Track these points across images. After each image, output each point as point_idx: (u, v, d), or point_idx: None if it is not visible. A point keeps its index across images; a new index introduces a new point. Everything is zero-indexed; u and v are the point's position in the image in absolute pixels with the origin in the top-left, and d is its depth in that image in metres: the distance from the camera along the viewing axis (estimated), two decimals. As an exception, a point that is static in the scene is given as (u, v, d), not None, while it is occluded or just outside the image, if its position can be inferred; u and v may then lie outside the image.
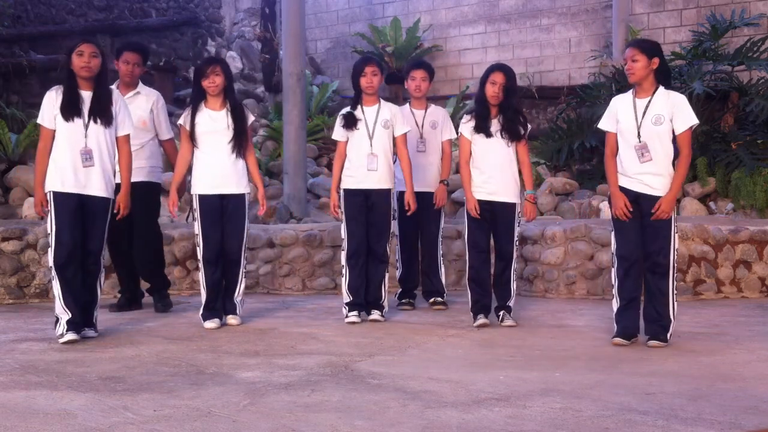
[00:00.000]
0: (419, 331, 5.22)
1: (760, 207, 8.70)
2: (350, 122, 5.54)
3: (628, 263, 4.67)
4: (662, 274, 4.63)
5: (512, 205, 5.34)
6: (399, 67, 13.12)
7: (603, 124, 4.84)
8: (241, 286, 5.46)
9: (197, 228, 5.39)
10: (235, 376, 3.91)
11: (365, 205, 5.53)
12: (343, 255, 5.60)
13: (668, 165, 4.63)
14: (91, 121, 4.86)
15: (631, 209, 4.66)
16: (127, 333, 5.11)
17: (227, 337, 4.99)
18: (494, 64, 5.52)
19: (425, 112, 6.19)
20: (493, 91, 5.27)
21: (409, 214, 5.69)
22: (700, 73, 9.53)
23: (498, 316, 5.42)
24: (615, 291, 4.75)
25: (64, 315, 4.80)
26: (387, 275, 5.61)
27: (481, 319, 5.31)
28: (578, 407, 3.33)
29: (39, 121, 4.93)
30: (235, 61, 14.43)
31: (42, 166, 4.91)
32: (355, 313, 5.50)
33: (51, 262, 4.84)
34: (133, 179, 5.77)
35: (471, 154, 5.38)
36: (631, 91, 4.79)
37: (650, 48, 4.68)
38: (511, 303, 5.43)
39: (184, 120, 5.43)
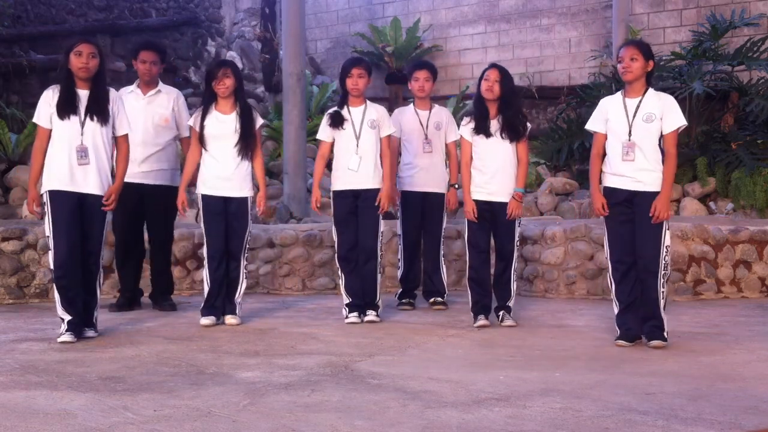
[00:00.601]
0: (419, 331, 5.22)
1: (760, 207, 8.70)
2: (337, 121, 5.54)
3: (622, 267, 4.71)
4: (654, 272, 4.63)
5: (513, 206, 5.35)
6: (399, 67, 13.13)
7: (591, 125, 4.87)
8: (241, 287, 5.48)
9: (202, 227, 5.50)
10: (235, 376, 3.91)
11: (354, 206, 5.53)
12: (336, 257, 5.62)
13: (659, 162, 4.66)
14: (88, 119, 4.84)
15: (607, 210, 4.71)
16: (127, 333, 5.11)
17: (227, 337, 4.99)
18: (489, 64, 5.54)
19: (429, 113, 6.20)
20: (486, 85, 5.28)
21: (379, 212, 5.60)
22: (700, 73, 9.53)
23: (498, 316, 5.42)
24: (613, 295, 4.76)
25: (64, 316, 4.84)
26: (380, 274, 5.60)
27: (482, 320, 5.31)
28: (578, 407, 3.33)
29: (35, 119, 4.92)
30: (235, 61, 14.41)
31: (36, 164, 4.91)
32: (355, 314, 5.50)
33: (51, 265, 4.84)
34: (156, 182, 5.82)
35: (472, 156, 5.38)
36: (619, 92, 4.83)
37: (648, 50, 4.73)
38: (511, 303, 5.43)
39: (193, 122, 5.48)
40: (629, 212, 4.68)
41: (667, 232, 4.70)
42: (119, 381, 3.82)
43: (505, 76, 5.31)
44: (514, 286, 5.42)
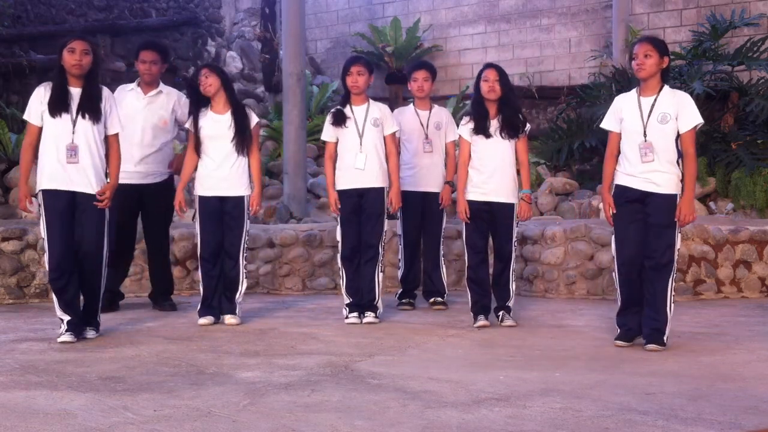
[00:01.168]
0: (419, 331, 5.22)
1: (760, 207, 8.70)
2: (339, 119, 5.53)
3: (629, 268, 4.65)
4: (664, 274, 4.60)
5: (510, 206, 5.33)
6: (399, 67, 13.13)
7: (606, 124, 4.80)
8: (242, 287, 5.48)
9: (197, 227, 5.48)
10: (235, 376, 3.91)
11: (359, 205, 5.53)
12: (338, 257, 5.62)
13: (673, 163, 4.59)
14: (79, 117, 4.80)
15: (615, 211, 4.69)
16: (127, 333, 5.11)
17: (227, 337, 4.99)
18: (484, 64, 5.53)
19: (430, 112, 6.20)
20: (487, 86, 5.28)
21: (392, 212, 5.64)
22: (700, 73, 9.53)
23: (498, 317, 5.42)
24: (618, 294, 4.73)
25: (63, 317, 4.84)
26: (381, 274, 5.60)
27: (482, 321, 5.31)
28: (578, 407, 3.32)
29: (25, 116, 4.87)
30: (235, 61, 14.43)
31: (25, 162, 4.89)
32: (355, 314, 5.50)
33: (46, 266, 4.84)
34: (152, 183, 5.79)
35: (470, 156, 5.38)
36: (634, 90, 4.76)
37: (663, 46, 4.65)
38: (510, 303, 5.43)
39: (189, 124, 5.48)
40: (640, 212, 4.63)
41: (679, 234, 4.67)
42: (119, 381, 3.82)
43: (502, 74, 5.31)
44: (513, 286, 5.42)
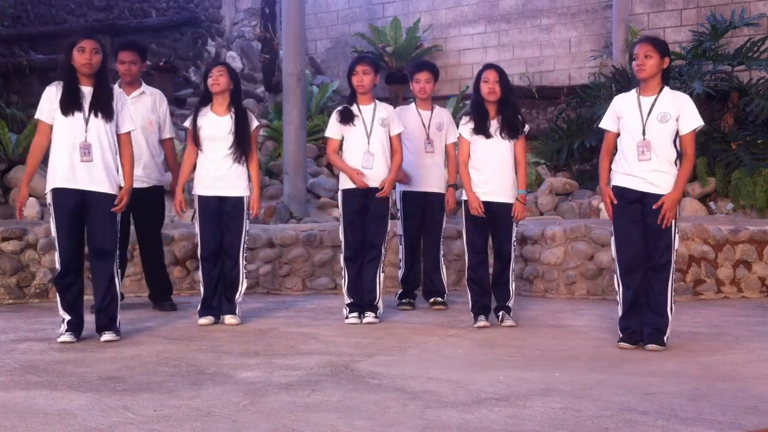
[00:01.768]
0: (419, 331, 5.22)
1: (760, 207, 8.70)
2: (347, 117, 5.53)
3: (629, 268, 4.63)
4: (663, 274, 4.60)
5: (510, 206, 5.33)
6: (399, 67, 13.13)
7: (604, 123, 4.80)
8: (242, 287, 5.48)
9: (197, 228, 5.49)
10: (235, 376, 3.91)
11: (364, 205, 5.53)
12: (341, 257, 5.61)
13: (671, 163, 4.59)
14: (92, 116, 4.78)
15: (615, 202, 4.66)
16: (127, 333, 5.11)
17: (227, 337, 4.99)
18: (483, 65, 5.52)
19: (431, 113, 6.20)
20: (488, 88, 5.27)
21: (378, 195, 5.54)
22: (700, 73, 9.53)
23: (498, 317, 5.42)
24: (619, 297, 4.70)
25: (65, 316, 4.84)
26: (382, 274, 5.60)
27: (482, 321, 5.31)
28: (578, 407, 3.32)
29: (37, 115, 4.85)
30: (235, 61, 14.42)
31: (34, 161, 4.86)
32: (355, 314, 5.50)
33: (57, 264, 4.84)
34: (142, 185, 5.80)
35: (470, 156, 5.38)
36: (634, 90, 4.76)
37: (663, 46, 4.64)
38: (510, 303, 5.43)
39: (189, 123, 5.48)
40: (639, 213, 4.62)
41: (677, 234, 4.67)
42: (119, 381, 3.82)
43: (502, 75, 5.31)
44: (512, 286, 5.41)
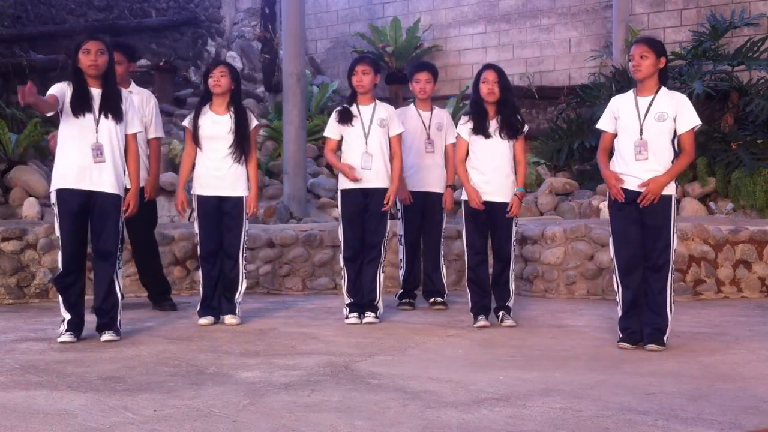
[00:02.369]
0: (419, 331, 5.22)
1: (760, 207, 8.70)
2: (346, 117, 5.53)
3: (628, 269, 4.63)
4: (662, 274, 4.59)
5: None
6: (399, 67, 13.13)
7: (601, 124, 4.81)
8: (241, 287, 5.48)
9: (196, 227, 5.50)
10: (235, 376, 3.91)
11: (363, 205, 5.53)
12: (341, 257, 5.62)
13: (669, 163, 4.58)
14: (102, 117, 4.78)
15: (624, 182, 4.61)
16: (127, 333, 5.10)
17: (227, 337, 4.99)
18: (483, 65, 5.53)
19: (431, 113, 6.21)
20: (487, 88, 5.28)
21: (384, 209, 5.54)
22: (700, 73, 9.53)
23: (498, 317, 5.42)
24: (618, 297, 4.69)
25: (66, 315, 4.84)
26: (382, 274, 5.60)
27: (482, 321, 5.31)
28: (578, 407, 3.32)
29: (50, 91, 4.77)
30: (235, 61, 14.43)
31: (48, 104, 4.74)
32: (355, 314, 5.50)
33: (59, 264, 4.84)
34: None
35: (468, 154, 5.38)
36: (631, 90, 4.76)
37: (659, 46, 4.64)
38: (510, 303, 5.43)
39: (188, 122, 5.47)
40: (636, 213, 4.62)
41: (676, 234, 4.67)
42: (119, 381, 3.82)
43: (501, 75, 5.31)
44: (512, 286, 5.41)
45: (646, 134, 4.57)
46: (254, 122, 5.57)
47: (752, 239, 6.92)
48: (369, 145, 5.51)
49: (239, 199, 5.44)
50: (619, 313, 4.70)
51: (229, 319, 5.44)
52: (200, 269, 5.52)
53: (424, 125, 6.15)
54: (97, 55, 4.77)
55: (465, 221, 5.39)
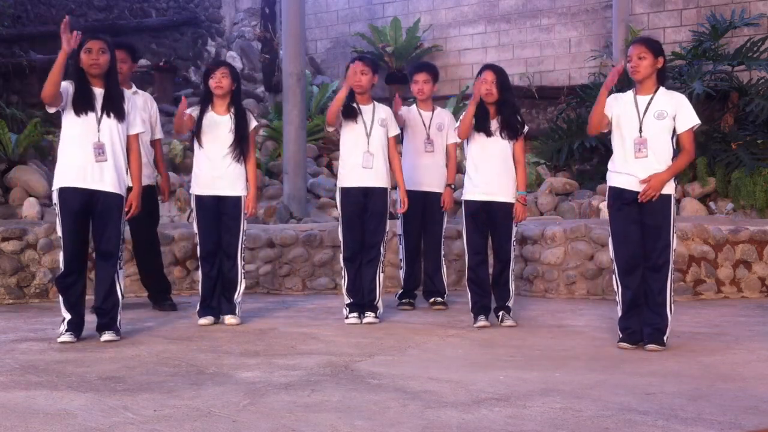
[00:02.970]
0: (419, 331, 5.22)
1: (760, 207, 8.70)
2: (350, 112, 5.53)
3: (627, 269, 4.62)
4: (661, 274, 4.59)
5: (510, 206, 5.33)
6: (399, 67, 13.13)
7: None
8: (240, 287, 5.47)
9: (195, 227, 5.51)
10: (235, 376, 3.91)
11: (363, 205, 5.53)
12: (341, 257, 5.62)
13: (668, 162, 4.58)
14: (104, 116, 4.78)
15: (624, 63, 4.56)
16: (127, 333, 5.11)
17: (227, 337, 4.99)
18: (482, 65, 5.53)
19: (432, 113, 6.22)
20: (485, 88, 5.28)
21: (401, 212, 5.70)
22: (700, 73, 9.53)
23: (498, 317, 5.42)
24: (618, 297, 4.68)
25: (66, 315, 4.83)
26: (382, 274, 5.60)
27: (482, 321, 5.31)
28: (578, 407, 3.32)
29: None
30: (235, 61, 14.43)
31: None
32: (355, 314, 5.50)
33: (60, 263, 4.84)
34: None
35: (469, 153, 5.39)
36: (630, 90, 4.77)
37: (657, 47, 4.64)
38: (510, 303, 5.43)
39: (192, 111, 5.45)
40: (636, 213, 4.61)
41: (675, 234, 4.67)
42: (119, 381, 3.82)
43: (499, 75, 5.31)
44: (512, 286, 5.41)
45: (646, 132, 4.57)
46: (254, 123, 5.57)
47: (752, 239, 6.92)
48: (371, 144, 5.51)
49: (238, 199, 5.44)
50: (619, 313, 4.70)
51: (229, 319, 5.44)
52: (200, 269, 5.52)
53: (424, 125, 6.16)
54: (99, 54, 4.77)
55: (465, 221, 5.39)
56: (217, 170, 5.40)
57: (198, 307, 5.51)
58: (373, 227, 5.53)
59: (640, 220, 4.61)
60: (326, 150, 10.83)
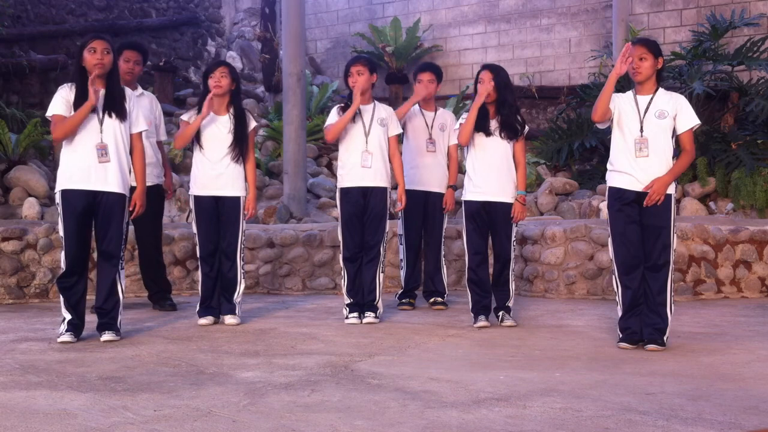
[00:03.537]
0: (419, 331, 5.22)
1: (760, 207, 8.70)
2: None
3: (627, 269, 4.61)
4: (661, 274, 4.59)
5: (510, 206, 5.32)
6: (399, 67, 13.13)
7: None
8: (240, 287, 5.47)
9: (194, 228, 5.50)
10: (235, 376, 3.91)
11: (362, 205, 5.53)
12: (340, 258, 5.62)
13: (669, 162, 4.59)
14: (106, 116, 4.77)
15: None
16: (127, 333, 5.11)
17: (227, 337, 4.99)
18: (482, 65, 5.53)
19: (435, 114, 6.22)
20: (483, 89, 5.28)
21: (398, 211, 5.72)
22: (700, 73, 9.53)
23: (498, 317, 5.42)
24: (618, 298, 4.68)
25: (66, 315, 4.83)
26: (382, 274, 5.60)
27: (482, 321, 5.31)
28: (578, 407, 3.32)
29: (51, 112, 4.74)
30: (235, 61, 14.44)
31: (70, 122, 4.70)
32: (355, 314, 5.50)
33: (62, 264, 4.84)
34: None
35: (471, 154, 5.39)
36: (629, 91, 4.77)
37: (656, 47, 4.65)
38: (510, 303, 5.43)
39: (188, 117, 5.46)
40: (636, 213, 4.61)
41: (675, 234, 4.67)
42: (119, 381, 3.82)
43: (497, 75, 5.29)
44: (512, 286, 5.41)
45: (647, 131, 4.58)
46: (253, 123, 5.57)
47: (752, 239, 6.92)
48: (369, 144, 5.52)
49: (237, 199, 5.44)
50: (619, 314, 4.69)
51: (228, 319, 5.44)
52: (199, 269, 5.52)
53: (427, 125, 6.17)
54: (103, 54, 4.76)
55: (465, 221, 5.39)
56: (216, 170, 5.39)
57: (198, 307, 5.51)
58: (373, 227, 5.53)
59: (640, 220, 4.61)
60: (326, 150, 10.84)
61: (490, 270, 5.47)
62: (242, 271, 5.50)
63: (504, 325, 5.34)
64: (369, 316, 5.48)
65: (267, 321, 5.63)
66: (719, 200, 9.11)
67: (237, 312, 5.48)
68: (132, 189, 4.98)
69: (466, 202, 5.38)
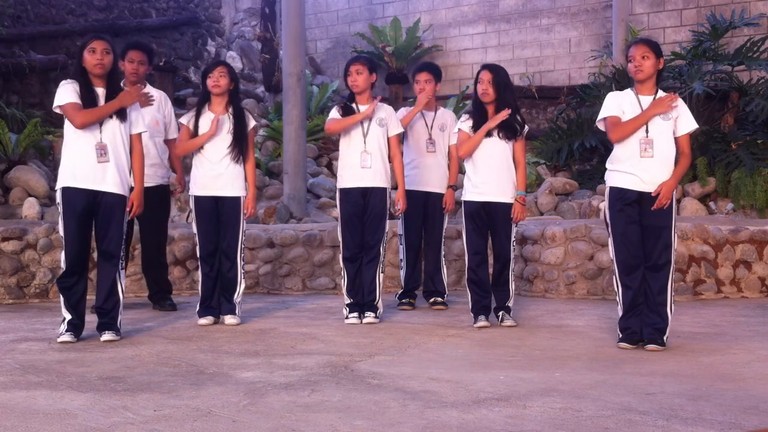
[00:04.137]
0: (419, 331, 5.22)
1: (760, 207, 8.70)
2: (347, 112, 5.54)
3: (628, 269, 4.61)
4: (662, 274, 4.59)
5: (509, 206, 5.32)
6: (399, 67, 13.13)
7: (607, 111, 4.65)
8: (240, 287, 5.47)
9: (194, 228, 5.50)
10: (235, 376, 3.91)
11: (362, 205, 5.53)
12: (340, 258, 5.62)
13: (671, 163, 4.60)
14: (106, 117, 4.79)
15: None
16: (127, 333, 5.11)
17: (227, 337, 4.99)
18: (482, 65, 5.52)
19: (435, 114, 6.22)
20: (481, 88, 5.28)
21: (398, 213, 5.72)
22: (700, 73, 9.53)
23: (498, 317, 5.42)
24: (619, 298, 4.68)
25: (66, 315, 4.83)
26: (382, 274, 5.60)
27: (482, 321, 5.31)
28: (578, 407, 3.32)
29: (64, 101, 4.71)
30: (235, 61, 14.44)
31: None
32: (355, 314, 5.50)
33: (62, 263, 4.84)
34: (147, 184, 5.78)
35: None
36: (629, 90, 4.75)
37: (658, 47, 4.66)
38: (510, 303, 5.43)
39: (187, 120, 5.46)
40: (636, 214, 4.61)
41: (676, 234, 4.67)
42: (119, 381, 3.82)
43: (497, 75, 5.28)
44: (512, 286, 5.41)
45: (652, 132, 4.58)
46: (252, 123, 5.56)
47: (752, 239, 6.92)
48: (368, 144, 5.51)
49: (236, 199, 5.44)
50: (619, 314, 4.69)
51: (228, 319, 5.44)
52: (199, 269, 5.52)
53: (426, 125, 6.17)
54: (103, 54, 4.77)
55: (465, 221, 5.39)
56: (216, 171, 5.39)
57: (198, 307, 5.51)
58: (373, 227, 5.53)
59: (640, 220, 4.61)
60: (326, 150, 10.84)
61: (490, 270, 5.47)
62: (242, 271, 5.50)
63: (504, 325, 5.34)
64: (369, 316, 5.48)
65: (267, 321, 5.63)
66: (719, 200, 9.11)
67: (237, 312, 5.48)
68: (132, 189, 4.98)
69: (465, 202, 5.37)
